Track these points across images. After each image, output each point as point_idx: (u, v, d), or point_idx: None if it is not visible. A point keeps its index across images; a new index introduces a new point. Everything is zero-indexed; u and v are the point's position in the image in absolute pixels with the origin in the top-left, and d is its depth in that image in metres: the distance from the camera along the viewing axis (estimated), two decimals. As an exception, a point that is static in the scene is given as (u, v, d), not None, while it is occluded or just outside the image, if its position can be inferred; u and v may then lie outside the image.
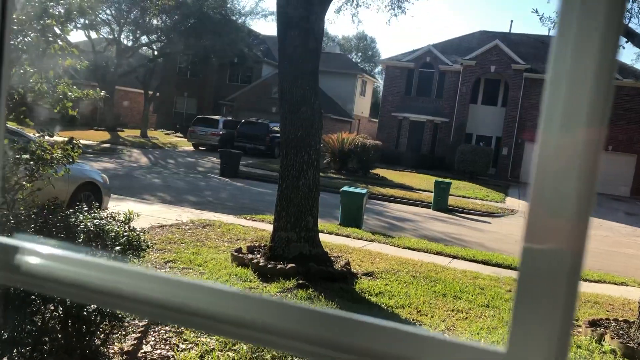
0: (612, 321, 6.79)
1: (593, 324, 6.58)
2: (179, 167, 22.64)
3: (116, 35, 34.18)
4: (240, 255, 7.49)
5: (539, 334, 0.52)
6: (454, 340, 0.55)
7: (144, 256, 4.13)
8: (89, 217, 4.02)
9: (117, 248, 3.85)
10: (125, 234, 4.01)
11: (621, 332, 6.39)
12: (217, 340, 4.69)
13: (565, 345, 0.52)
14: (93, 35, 31.47)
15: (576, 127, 0.52)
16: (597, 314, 7.30)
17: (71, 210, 4.16)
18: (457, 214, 18.76)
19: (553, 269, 0.52)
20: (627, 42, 7.91)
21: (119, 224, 4.11)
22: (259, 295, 0.63)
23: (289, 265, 7.07)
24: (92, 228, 3.88)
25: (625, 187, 31.66)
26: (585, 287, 9.27)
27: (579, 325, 6.69)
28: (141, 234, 4.18)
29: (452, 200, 19.99)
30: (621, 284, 10.14)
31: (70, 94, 5.80)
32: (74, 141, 5.63)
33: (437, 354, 0.55)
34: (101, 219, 4.06)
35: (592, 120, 0.51)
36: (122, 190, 13.56)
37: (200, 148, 31.33)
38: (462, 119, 33.37)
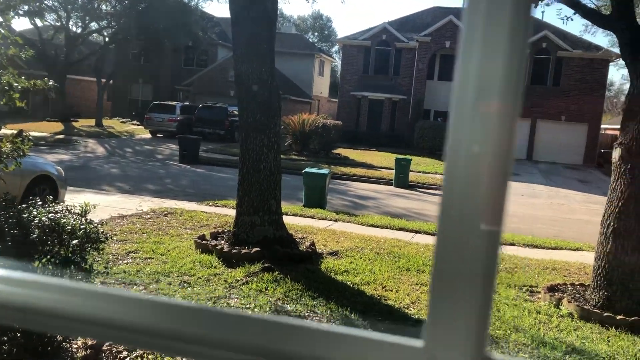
0: (569, 286, 7.05)
1: (551, 289, 6.82)
2: (136, 156, 22.19)
3: (64, 22, 32.95)
4: (203, 242, 7.43)
5: (455, 325, 0.50)
6: (369, 336, 0.53)
7: (103, 249, 4.05)
8: (44, 211, 3.91)
9: (75, 242, 3.76)
10: (82, 227, 3.91)
11: (577, 295, 6.65)
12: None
13: (484, 334, 0.51)
14: (39, 22, 30.25)
15: (490, 98, 0.51)
16: (554, 280, 7.57)
17: (24, 205, 4.03)
18: (418, 189, 19.03)
19: (469, 253, 0.50)
20: (574, 13, 8.08)
21: (75, 217, 4.01)
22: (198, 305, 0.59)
23: (254, 250, 7.05)
24: (47, 223, 3.77)
25: (578, 156, 32.68)
26: (543, 255, 9.58)
27: (538, 292, 6.93)
28: (99, 225, 4.09)
29: (413, 177, 20.25)
30: (577, 249, 10.52)
31: (16, 84, 5.58)
32: (24, 134, 5.44)
33: (351, 352, 0.53)
34: (56, 212, 3.95)
35: (506, 91, 0.50)
36: (79, 182, 13.22)
37: (158, 135, 30.74)
38: (420, 95, 33.69)
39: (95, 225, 4.05)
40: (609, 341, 5.32)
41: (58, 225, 3.77)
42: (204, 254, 7.11)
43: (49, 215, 3.87)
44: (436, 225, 0.52)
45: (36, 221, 3.76)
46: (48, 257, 3.76)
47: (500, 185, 0.51)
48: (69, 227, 3.83)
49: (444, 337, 0.51)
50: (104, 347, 4.24)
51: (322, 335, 0.54)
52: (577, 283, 7.17)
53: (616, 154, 6.41)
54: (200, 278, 6.10)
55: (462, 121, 0.52)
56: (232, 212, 9.34)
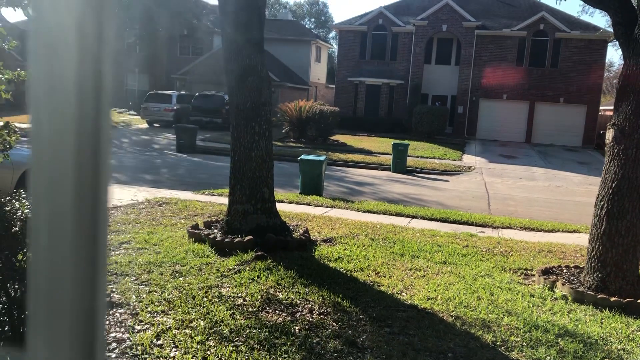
0: (563, 268, 7.03)
1: (546, 272, 6.79)
2: (133, 146, 22.12)
3: (57, 13, 32.65)
4: (196, 231, 7.40)
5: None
6: None
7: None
8: (27, 203, 3.86)
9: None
10: (66, 218, 3.87)
11: (572, 277, 6.63)
12: (173, 319, 4.64)
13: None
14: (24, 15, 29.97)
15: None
16: (550, 263, 7.55)
17: (7, 198, 3.99)
18: (416, 174, 18.99)
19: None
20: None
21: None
22: None
23: (247, 238, 7.02)
24: (30, 216, 3.72)
25: (577, 137, 32.56)
26: (539, 237, 9.55)
27: (533, 275, 6.91)
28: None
29: (410, 161, 20.20)
30: (574, 231, 10.50)
31: (1, 76, 5.52)
32: (10, 125, 5.39)
33: None
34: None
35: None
36: (74, 174, 13.17)
37: (154, 125, 30.63)
38: (417, 80, 33.49)
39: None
40: (602, 323, 5.30)
41: (41, 217, 3.72)
42: (197, 243, 7.09)
43: (33, 207, 3.82)
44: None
45: (19, 214, 3.72)
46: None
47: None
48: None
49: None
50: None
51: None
52: (572, 265, 7.14)
53: (609, 135, 6.35)
54: (193, 267, 6.08)
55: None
56: (227, 201, 9.32)
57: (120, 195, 10.99)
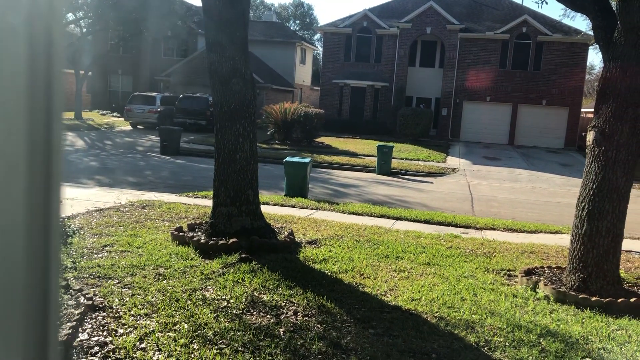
0: (546, 269, 7.10)
1: (528, 272, 6.86)
2: (117, 148, 21.93)
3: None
4: (180, 234, 7.35)
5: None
6: None
7: (70, 242, 3.96)
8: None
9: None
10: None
11: (554, 278, 6.70)
12: (156, 322, 4.61)
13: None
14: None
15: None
16: (533, 263, 7.62)
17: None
18: (400, 176, 19.07)
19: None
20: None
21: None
22: None
23: (231, 240, 6.99)
24: None
25: (560, 140, 32.96)
26: (522, 238, 9.65)
27: (516, 276, 6.97)
28: (65, 219, 4.00)
29: (395, 163, 20.28)
30: (556, 232, 10.61)
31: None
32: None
33: None
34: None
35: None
36: (56, 176, 13.01)
37: (138, 127, 30.42)
38: (402, 82, 33.66)
39: (61, 218, 3.96)
40: (583, 323, 5.37)
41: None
42: (180, 246, 7.04)
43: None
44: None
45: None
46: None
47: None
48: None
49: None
50: (74, 343, 4.18)
51: None
52: (554, 266, 7.22)
53: (590, 136, 6.44)
54: (176, 270, 6.04)
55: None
56: (211, 203, 9.27)
57: (103, 198, 10.88)
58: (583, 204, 6.39)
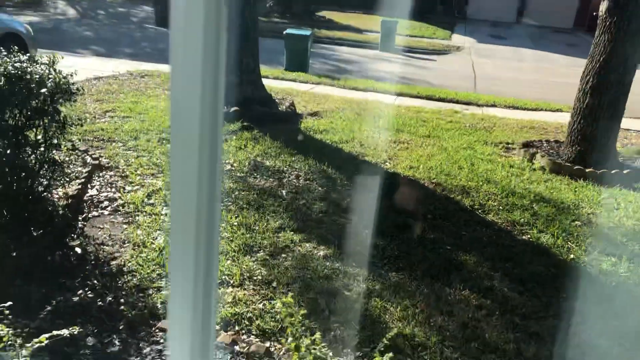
0: (544, 142, 7.19)
1: (526, 145, 6.96)
2: (110, 18, 21.17)
3: None
4: (182, 101, 7.32)
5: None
6: None
7: (75, 100, 3.96)
8: (8, 60, 3.76)
9: (43, 91, 3.67)
10: (51, 76, 3.80)
11: (551, 151, 6.80)
12: (162, 181, 4.75)
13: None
14: None
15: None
16: (531, 138, 7.70)
17: (-13, 55, 3.87)
18: (404, 53, 18.63)
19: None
20: None
21: (43, 67, 3.87)
22: None
23: (232, 109, 7.00)
24: (13, 71, 3.65)
25: (569, 19, 31.78)
26: (523, 115, 9.65)
27: (514, 148, 7.07)
28: (69, 76, 3.97)
29: (398, 40, 19.71)
30: (557, 110, 10.59)
31: None
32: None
33: None
34: (22, 62, 3.81)
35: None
36: (52, 45, 12.67)
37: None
38: (410, -47, 31.72)
39: (65, 75, 3.93)
40: (575, 191, 5.54)
41: (25, 73, 3.65)
42: (182, 113, 7.04)
43: (15, 64, 3.73)
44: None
45: (1, 70, 3.64)
46: (20, 108, 3.70)
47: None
48: (37, 77, 3.71)
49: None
50: (85, 198, 4.34)
51: None
52: (552, 140, 7.31)
53: (603, 6, 6.21)
54: (179, 136, 6.10)
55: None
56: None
57: (101, 67, 10.70)
58: (588, 77, 6.32)
